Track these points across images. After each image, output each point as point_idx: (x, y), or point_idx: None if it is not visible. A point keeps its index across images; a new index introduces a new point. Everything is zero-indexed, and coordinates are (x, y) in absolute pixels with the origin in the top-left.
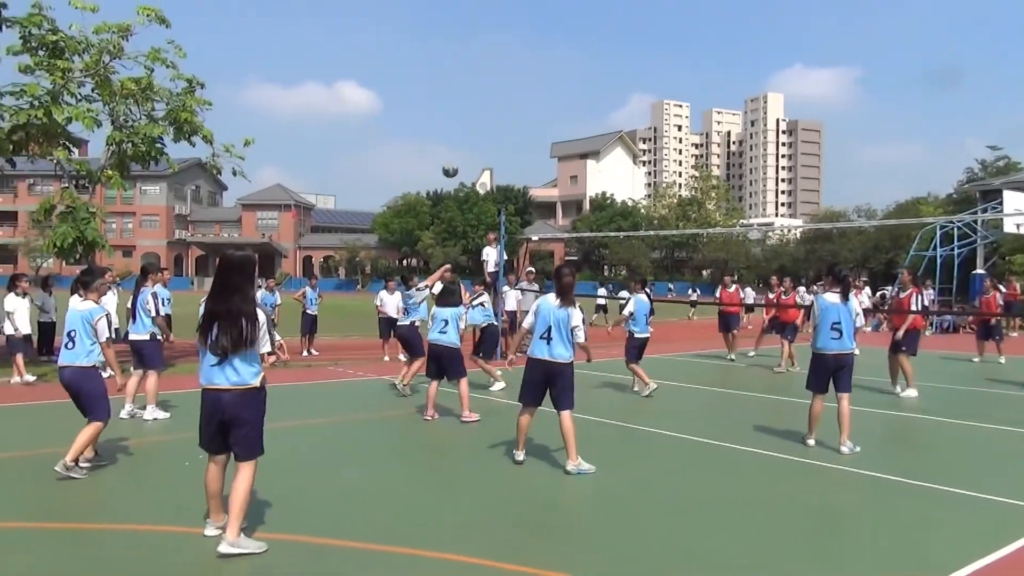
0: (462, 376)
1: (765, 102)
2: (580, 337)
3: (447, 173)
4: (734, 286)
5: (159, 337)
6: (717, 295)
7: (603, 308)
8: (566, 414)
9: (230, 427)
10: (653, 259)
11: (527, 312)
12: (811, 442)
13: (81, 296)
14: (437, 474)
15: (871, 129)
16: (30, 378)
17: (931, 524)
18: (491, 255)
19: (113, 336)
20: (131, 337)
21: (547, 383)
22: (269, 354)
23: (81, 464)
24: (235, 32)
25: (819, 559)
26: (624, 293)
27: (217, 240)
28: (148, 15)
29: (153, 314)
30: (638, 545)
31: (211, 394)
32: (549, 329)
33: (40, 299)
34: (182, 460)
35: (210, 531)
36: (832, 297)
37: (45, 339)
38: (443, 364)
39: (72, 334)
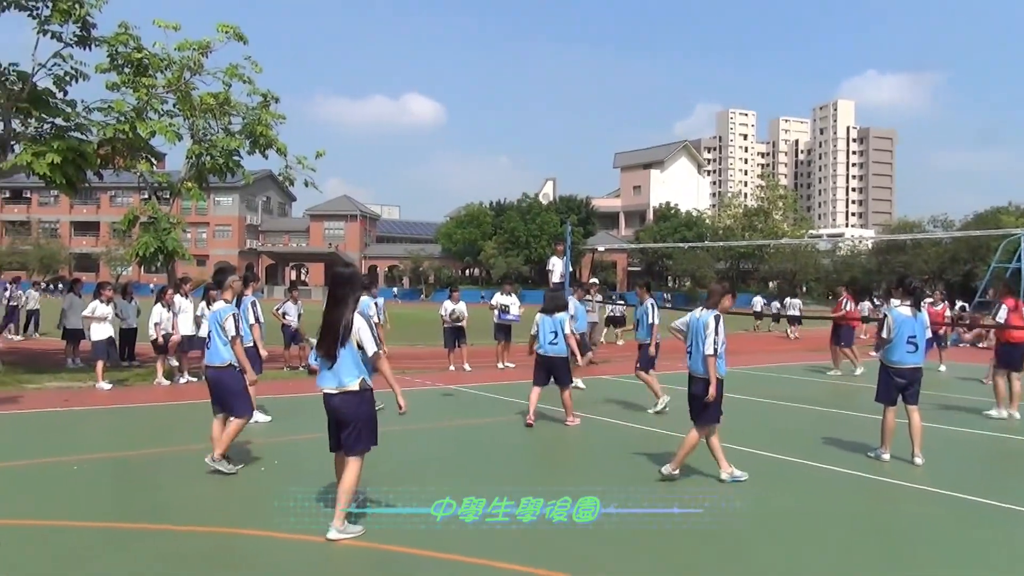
0: (568, 384)
1: (835, 110)
2: (708, 347)
3: None
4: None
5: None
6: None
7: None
8: (704, 430)
9: (340, 426)
10: (718, 270)
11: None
12: (886, 456)
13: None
14: (511, 482)
15: (948, 136)
16: (105, 385)
17: (1016, 549)
18: (557, 265)
19: (242, 335)
20: None
21: (691, 396)
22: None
23: (221, 461)
24: (306, 47)
25: None
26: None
27: (286, 250)
28: (227, 32)
29: (251, 321)
30: (714, 561)
31: (325, 397)
32: (693, 342)
33: (120, 306)
34: (279, 461)
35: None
36: (905, 310)
37: (126, 345)
38: (555, 373)
39: (209, 334)
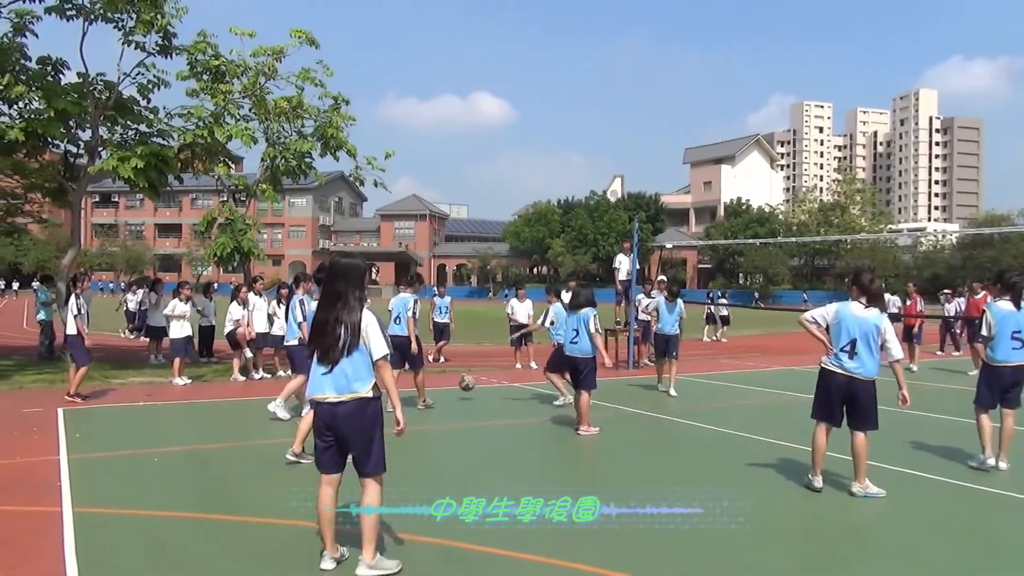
0: (589, 388)
1: (916, 99)
2: (894, 352)
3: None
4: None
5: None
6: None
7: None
8: (862, 436)
9: (348, 442)
10: (792, 266)
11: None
12: (992, 462)
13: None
14: (581, 482)
15: None
16: (179, 381)
17: None
18: (624, 263)
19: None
20: (285, 342)
21: (846, 400)
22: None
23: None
24: (377, 48)
25: None
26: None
27: (357, 249)
28: (300, 37)
29: (299, 320)
30: (794, 567)
31: (322, 407)
32: (854, 342)
33: (201, 304)
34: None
35: (327, 564)
36: (1006, 305)
37: (205, 342)
38: (576, 373)
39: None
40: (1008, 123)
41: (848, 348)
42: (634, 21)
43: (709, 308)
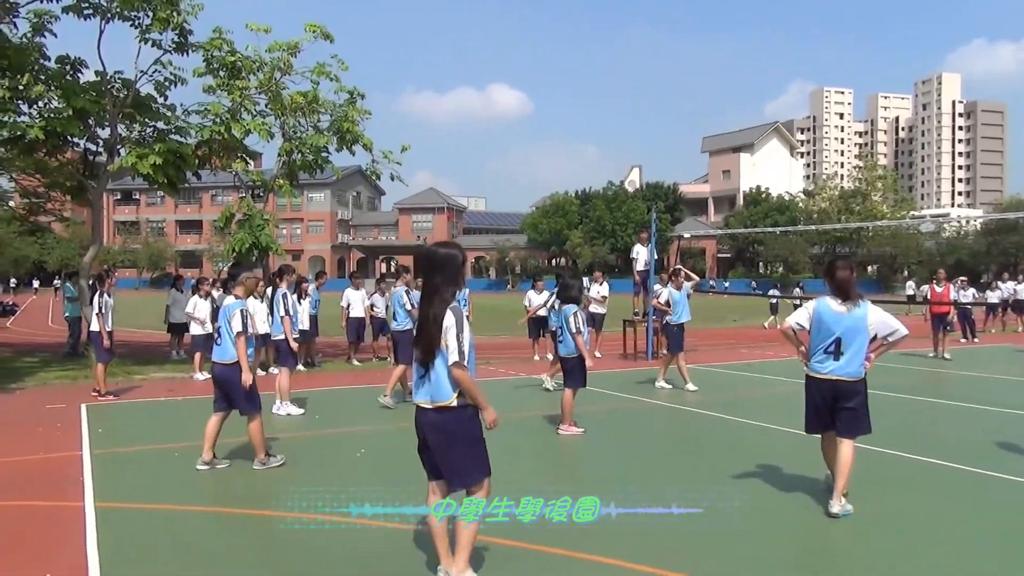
0: (572, 388)
1: (939, 83)
2: (900, 330)
3: None
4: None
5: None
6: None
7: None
8: (848, 443)
9: (431, 450)
10: (812, 255)
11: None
12: None
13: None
14: (613, 480)
15: None
16: (200, 376)
17: None
18: (641, 253)
19: (253, 332)
20: (272, 337)
21: (832, 405)
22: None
23: (270, 455)
24: (394, 43)
25: None
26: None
27: (375, 243)
28: (314, 32)
29: (282, 314)
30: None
31: (417, 412)
32: (838, 341)
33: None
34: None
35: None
36: None
37: None
38: (563, 369)
39: (219, 330)
40: None
41: (832, 348)
42: (651, 10)
43: (773, 299)
